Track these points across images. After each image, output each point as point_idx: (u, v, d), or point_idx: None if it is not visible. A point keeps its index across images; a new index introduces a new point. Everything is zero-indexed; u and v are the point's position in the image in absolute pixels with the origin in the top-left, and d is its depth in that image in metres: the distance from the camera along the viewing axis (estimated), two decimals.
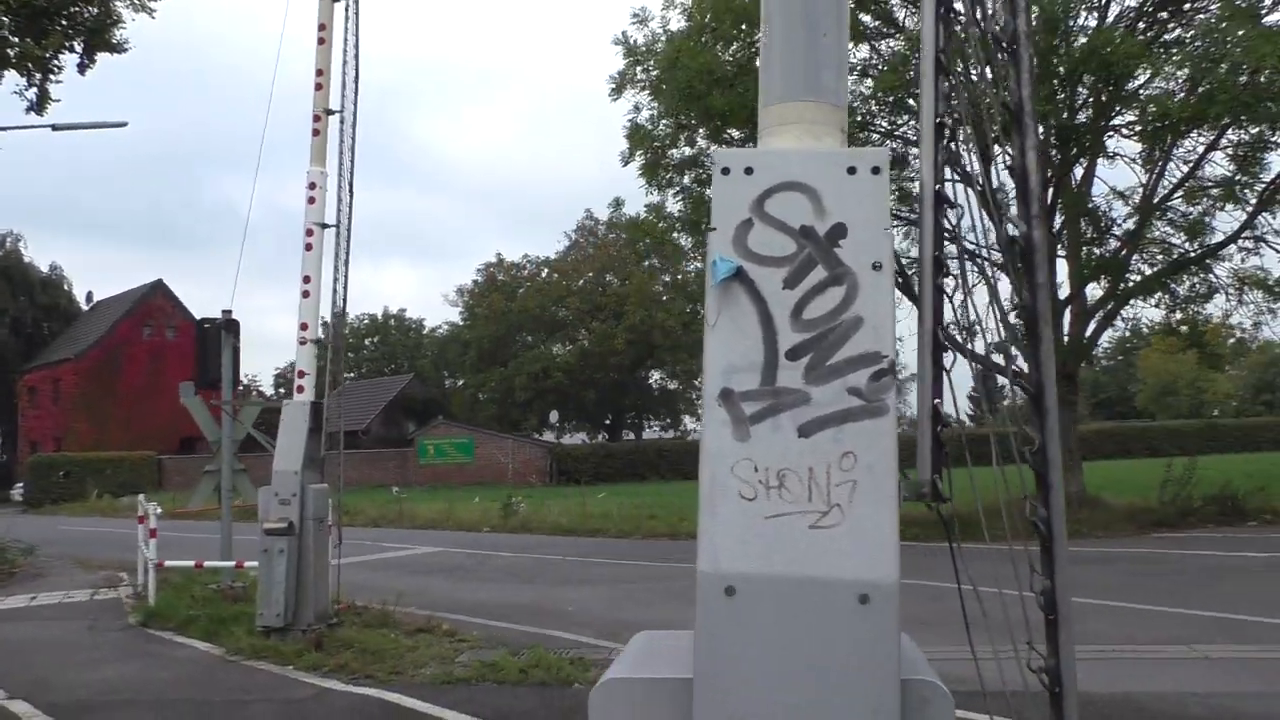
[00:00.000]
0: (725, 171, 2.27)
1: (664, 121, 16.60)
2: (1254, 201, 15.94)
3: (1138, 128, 14.90)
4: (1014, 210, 2.28)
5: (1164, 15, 14.43)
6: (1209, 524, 16.69)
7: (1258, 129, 13.88)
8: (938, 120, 2.35)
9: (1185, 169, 16.21)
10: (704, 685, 2.06)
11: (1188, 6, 14.54)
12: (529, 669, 8.19)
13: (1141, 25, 14.60)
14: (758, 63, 2.58)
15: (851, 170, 2.23)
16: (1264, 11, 13.28)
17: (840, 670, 2.01)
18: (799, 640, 2.03)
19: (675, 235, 19.11)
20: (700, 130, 16.60)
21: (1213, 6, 13.71)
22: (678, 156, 17.14)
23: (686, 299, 45.97)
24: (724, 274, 2.19)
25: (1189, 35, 13.82)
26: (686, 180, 17.38)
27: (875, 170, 2.23)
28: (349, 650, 9.08)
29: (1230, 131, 14.61)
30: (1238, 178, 15.77)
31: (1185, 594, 11.43)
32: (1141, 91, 14.09)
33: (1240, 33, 12.11)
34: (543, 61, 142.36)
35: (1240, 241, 16.30)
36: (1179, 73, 13.30)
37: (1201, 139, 15.12)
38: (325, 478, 10.42)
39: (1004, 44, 2.27)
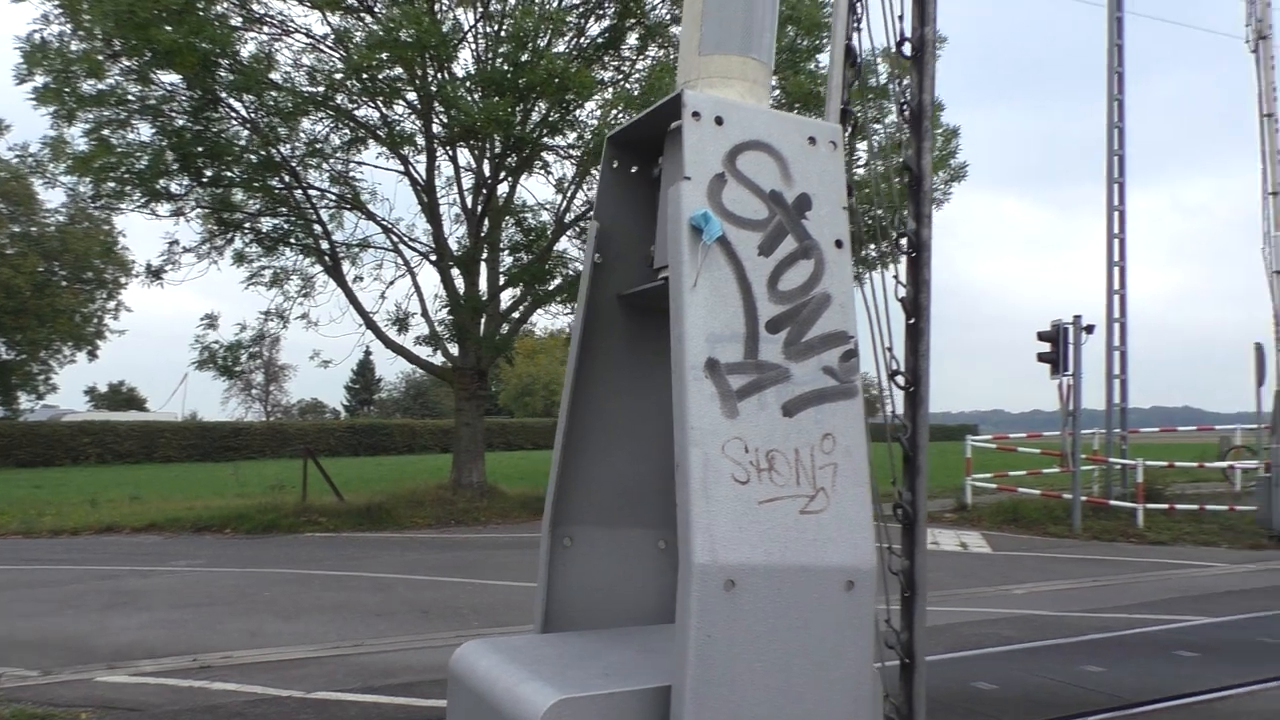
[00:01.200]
0: (696, 116, 2.03)
1: (82, 45, 13.90)
2: None
3: (574, 152, 16.32)
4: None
5: (608, 56, 16.01)
6: None
7: None
8: (842, 107, 2.37)
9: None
10: (700, 689, 1.81)
11: (625, 51, 16.35)
12: None
13: (601, 58, 16.05)
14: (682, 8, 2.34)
15: (812, 140, 2.15)
16: None
17: (828, 658, 1.92)
18: (794, 632, 1.89)
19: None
20: (132, 62, 14.17)
21: (652, 54, 15.69)
22: (94, 89, 14.42)
23: (42, 256, 38.54)
24: (717, 233, 1.96)
25: (632, 76, 15.65)
26: (106, 116, 14.70)
27: (833, 144, 2.17)
28: None
29: None
30: None
31: None
32: (585, 119, 15.55)
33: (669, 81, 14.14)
34: None
35: None
36: (617, 109, 14.97)
37: None
38: None
39: (909, 52, 2.37)
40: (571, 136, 16.25)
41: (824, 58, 16.13)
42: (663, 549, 2.56)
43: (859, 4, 2.42)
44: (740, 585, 1.86)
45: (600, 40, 15.68)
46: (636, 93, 15.32)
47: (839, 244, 2.12)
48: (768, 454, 1.94)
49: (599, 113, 15.91)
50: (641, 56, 16.29)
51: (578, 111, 15.58)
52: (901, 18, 2.50)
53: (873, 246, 2.87)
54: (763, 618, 1.87)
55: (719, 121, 2.06)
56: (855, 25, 2.40)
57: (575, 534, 2.48)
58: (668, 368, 2.43)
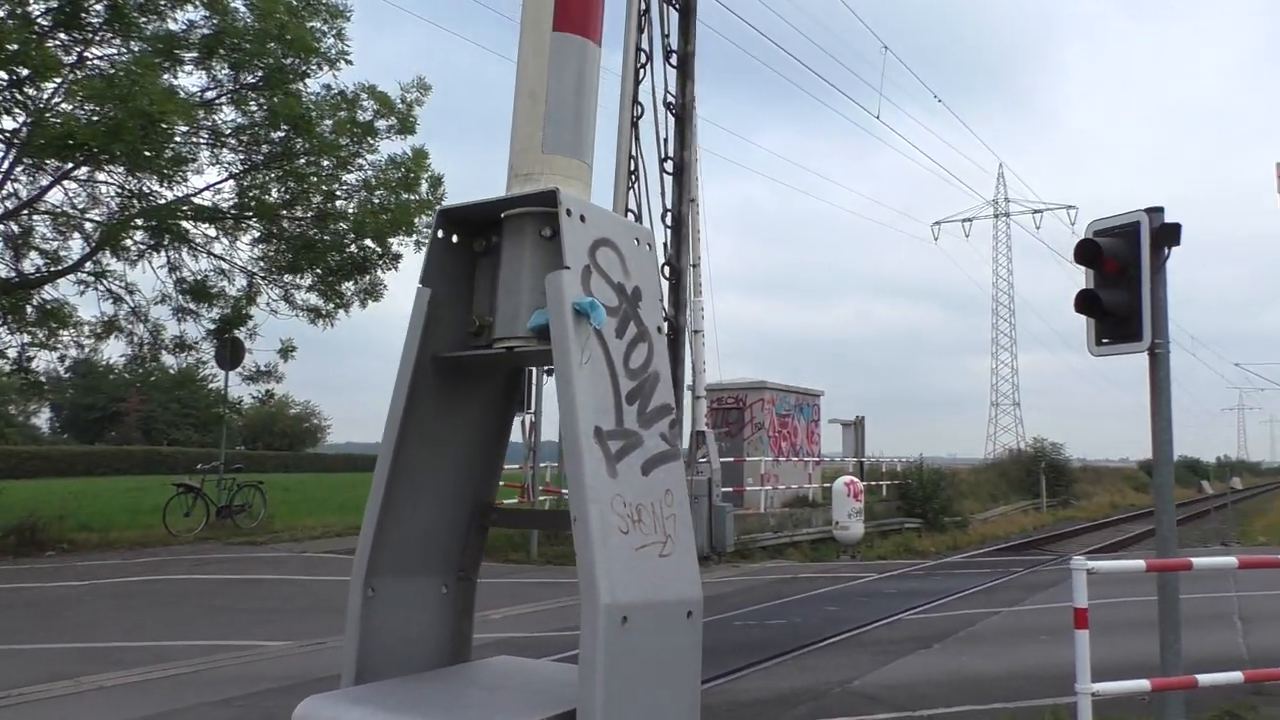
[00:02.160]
0: (569, 213, 2.35)
1: None
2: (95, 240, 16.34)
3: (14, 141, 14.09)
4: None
5: (69, 37, 14.09)
6: (8, 556, 16.18)
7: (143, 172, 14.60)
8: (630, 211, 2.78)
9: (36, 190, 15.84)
10: (607, 712, 2.10)
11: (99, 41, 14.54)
12: None
13: (64, 37, 13.99)
14: (520, 98, 2.58)
15: (638, 240, 2.58)
16: (166, 71, 14.35)
17: (678, 676, 2.34)
18: (663, 656, 2.28)
19: None
20: None
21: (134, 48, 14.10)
22: None
23: None
24: (604, 318, 2.29)
25: (110, 69, 13.87)
26: None
27: (649, 245, 2.62)
28: None
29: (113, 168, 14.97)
30: (85, 211, 16.14)
31: (32, 630, 11.07)
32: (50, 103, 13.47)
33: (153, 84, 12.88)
34: None
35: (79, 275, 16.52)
36: (79, 99, 13.22)
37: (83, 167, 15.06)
38: None
39: (673, 110, 2.85)
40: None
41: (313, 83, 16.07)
42: (444, 594, 2.73)
43: (635, 125, 2.87)
44: (631, 620, 2.19)
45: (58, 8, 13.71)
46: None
47: (659, 330, 2.56)
48: (636, 507, 2.30)
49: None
50: (102, 41, 14.60)
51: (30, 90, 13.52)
52: (667, 140, 3.02)
53: None
54: (646, 646, 2.23)
55: (583, 219, 2.39)
56: (635, 136, 2.84)
57: (378, 584, 2.55)
58: (467, 425, 2.66)
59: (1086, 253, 7.83)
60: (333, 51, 15.79)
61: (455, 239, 2.63)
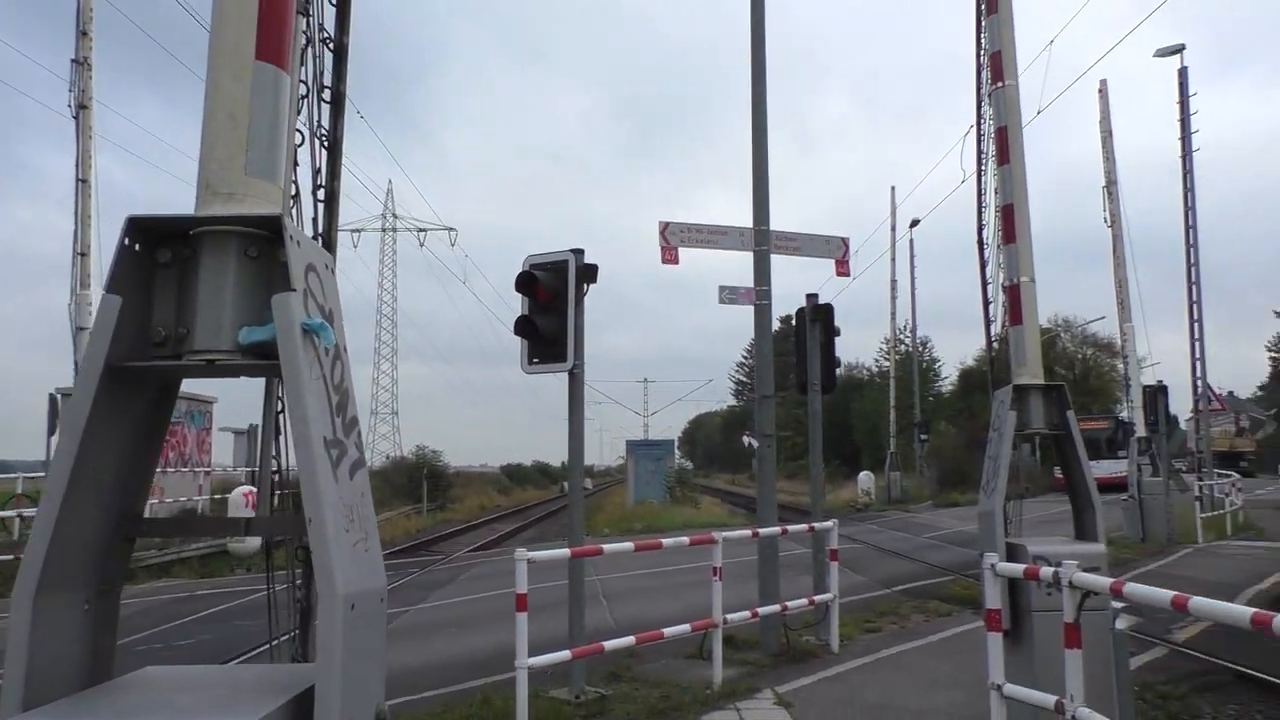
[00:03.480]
0: (291, 238, 2.56)
1: None
2: None
3: None
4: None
5: None
6: None
7: None
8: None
9: None
10: (345, 687, 2.37)
11: None
12: None
13: None
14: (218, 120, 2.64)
15: (328, 266, 2.83)
16: None
17: (376, 651, 2.65)
18: (368, 634, 2.58)
19: None
20: None
21: None
22: None
23: None
24: (333, 338, 2.53)
25: None
26: None
27: (333, 271, 2.88)
28: None
29: None
30: None
31: None
32: None
33: None
34: None
35: None
36: None
37: None
38: None
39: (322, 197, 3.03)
40: None
41: None
42: (86, 610, 2.65)
43: (297, 154, 3.00)
44: (357, 607, 2.47)
45: None
46: None
47: (344, 348, 2.82)
48: (349, 508, 2.57)
49: None
50: None
51: None
52: (319, 171, 3.15)
53: None
54: (365, 628, 2.51)
55: (299, 245, 2.59)
56: (295, 163, 2.96)
57: (43, 601, 2.44)
58: (129, 434, 2.70)
59: (525, 283, 9.06)
60: None
61: (138, 248, 2.61)
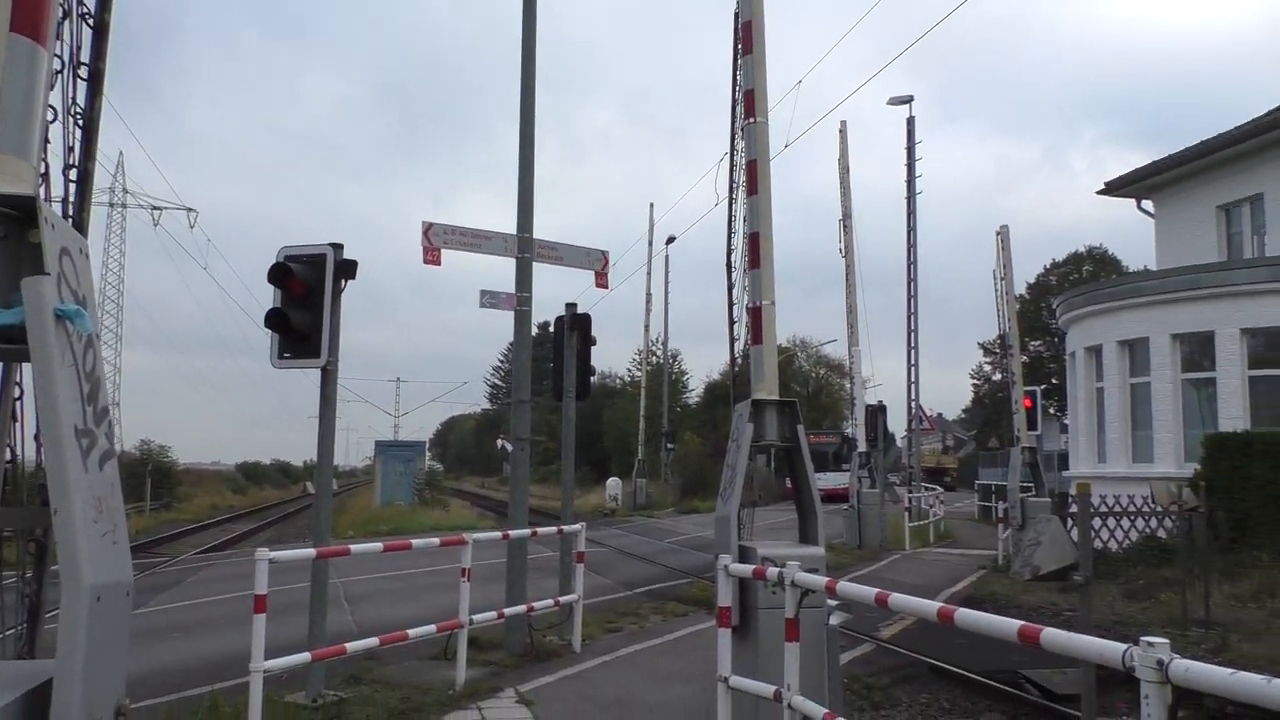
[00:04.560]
0: (47, 220, 2.49)
1: None
2: None
3: None
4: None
5: None
6: None
7: None
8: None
9: None
10: (87, 677, 2.32)
11: None
12: None
13: None
14: None
15: (81, 250, 2.75)
16: None
17: (118, 645, 2.60)
18: (112, 627, 2.53)
19: None
20: None
21: None
22: None
23: None
24: (90, 326, 2.46)
25: None
26: None
27: (87, 255, 2.78)
28: None
29: None
30: None
31: None
32: None
33: None
34: None
35: None
36: None
37: None
38: None
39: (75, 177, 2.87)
40: None
41: None
42: None
43: (49, 131, 2.82)
44: (103, 599, 2.42)
45: None
46: None
47: (97, 335, 2.74)
48: (98, 499, 2.50)
49: None
50: None
51: None
52: (72, 149, 2.98)
53: None
54: (112, 619, 2.46)
55: (54, 227, 2.50)
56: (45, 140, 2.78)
57: None
58: None
59: (278, 275, 8.77)
60: None
61: None
